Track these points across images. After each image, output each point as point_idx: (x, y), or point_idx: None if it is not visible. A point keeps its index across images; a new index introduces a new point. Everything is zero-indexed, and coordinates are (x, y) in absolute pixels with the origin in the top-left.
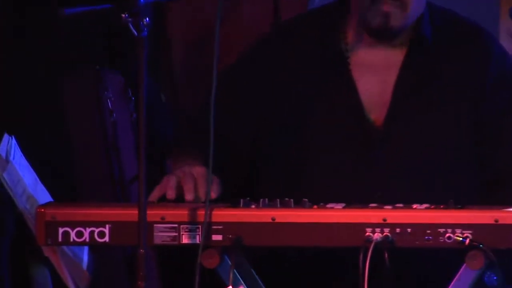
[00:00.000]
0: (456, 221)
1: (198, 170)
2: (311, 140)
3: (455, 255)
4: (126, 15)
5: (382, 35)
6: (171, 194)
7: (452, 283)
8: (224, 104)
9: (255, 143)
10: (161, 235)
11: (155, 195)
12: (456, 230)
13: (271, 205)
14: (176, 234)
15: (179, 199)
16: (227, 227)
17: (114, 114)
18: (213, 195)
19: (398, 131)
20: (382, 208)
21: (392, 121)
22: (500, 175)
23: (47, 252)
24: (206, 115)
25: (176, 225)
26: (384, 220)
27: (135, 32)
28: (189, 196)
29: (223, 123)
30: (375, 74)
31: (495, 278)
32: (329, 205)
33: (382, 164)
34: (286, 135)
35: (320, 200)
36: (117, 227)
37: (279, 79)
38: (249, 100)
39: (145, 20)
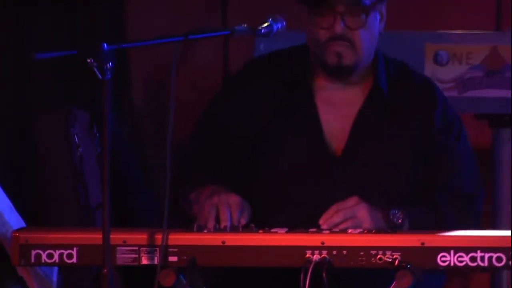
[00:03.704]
0: (386, 244)
1: (233, 199)
2: (278, 165)
3: (387, 274)
4: (92, 60)
5: (337, 73)
6: (211, 224)
7: None
8: (207, 134)
9: (234, 168)
10: (123, 257)
11: (211, 224)
12: (386, 252)
13: (222, 230)
14: (137, 255)
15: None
16: (182, 249)
17: (81, 148)
18: (243, 221)
19: (354, 161)
20: (321, 232)
21: (349, 153)
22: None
23: (21, 271)
24: (201, 149)
25: (136, 248)
26: (322, 243)
27: (100, 76)
28: (224, 223)
29: (209, 149)
30: (337, 110)
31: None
32: (273, 230)
33: (339, 189)
34: (256, 160)
35: (283, 220)
36: (83, 249)
37: (252, 110)
38: (227, 129)
39: (108, 64)
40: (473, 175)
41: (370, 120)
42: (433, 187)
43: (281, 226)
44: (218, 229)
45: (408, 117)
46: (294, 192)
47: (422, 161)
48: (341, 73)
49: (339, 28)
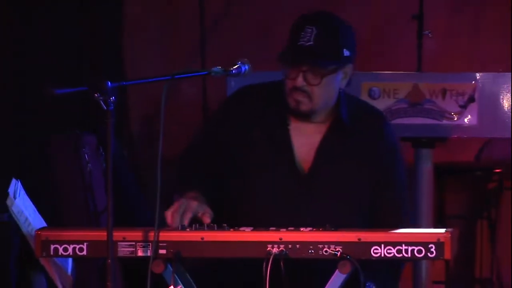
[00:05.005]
0: (331, 239)
1: (190, 205)
2: (257, 178)
3: (332, 264)
4: (98, 94)
5: (297, 115)
6: (169, 222)
7: (328, 284)
8: (202, 147)
9: (222, 179)
10: (123, 250)
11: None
12: (331, 246)
13: (201, 228)
14: (134, 249)
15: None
16: (170, 244)
17: (89, 165)
18: (207, 220)
19: (317, 177)
20: (279, 230)
21: (314, 170)
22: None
23: (42, 262)
24: (190, 162)
25: (133, 243)
26: (280, 239)
27: (105, 107)
28: (178, 223)
29: (202, 161)
30: (306, 137)
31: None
32: (241, 229)
33: (307, 198)
34: (238, 172)
35: (261, 222)
36: (92, 244)
37: (240, 130)
38: (219, 142)
39: (112, 98)
40: (403, 195)
41: (330, 146)
42: (377, 204)
43: (262, 226)
44: (198, 228)
45: (361, 143)
46: (272, 200)
47: (369, 182)
48: (300, 116)
49: (299, 82)
